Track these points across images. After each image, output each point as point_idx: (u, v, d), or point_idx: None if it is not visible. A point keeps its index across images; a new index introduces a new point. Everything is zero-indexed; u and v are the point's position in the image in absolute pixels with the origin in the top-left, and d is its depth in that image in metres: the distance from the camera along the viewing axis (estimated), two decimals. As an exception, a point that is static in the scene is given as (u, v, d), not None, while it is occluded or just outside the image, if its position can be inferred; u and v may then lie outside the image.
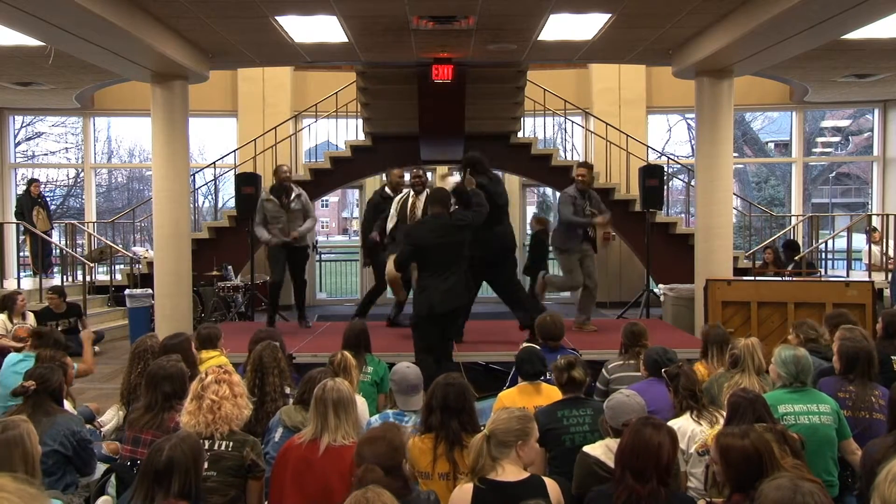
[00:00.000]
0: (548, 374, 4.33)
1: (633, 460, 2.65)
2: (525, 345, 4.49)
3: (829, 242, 11.21)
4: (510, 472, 2.78)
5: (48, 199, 13.79)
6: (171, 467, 2.52)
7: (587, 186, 7.41)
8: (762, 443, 2.66)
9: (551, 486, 2.85)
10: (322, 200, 19.83)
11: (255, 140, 11.19)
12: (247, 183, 9.33)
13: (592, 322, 7.70)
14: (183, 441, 2.62)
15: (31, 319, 7.63)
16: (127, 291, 9.30)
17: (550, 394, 4.04)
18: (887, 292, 8.46)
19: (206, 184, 12.77)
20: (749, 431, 2.71)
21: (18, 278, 10.48)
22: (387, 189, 7.89)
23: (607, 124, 11.40)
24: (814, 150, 16.28)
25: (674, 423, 3.51)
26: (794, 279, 9.00)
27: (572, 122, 12.74)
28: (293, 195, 7.58)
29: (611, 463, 2.95)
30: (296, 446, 3.10)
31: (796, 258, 10.22)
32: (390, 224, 7.12)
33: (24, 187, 11.52)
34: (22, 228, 10.73)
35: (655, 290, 10.10)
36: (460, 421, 3.18)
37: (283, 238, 7.45)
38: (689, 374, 3.57)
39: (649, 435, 2.67)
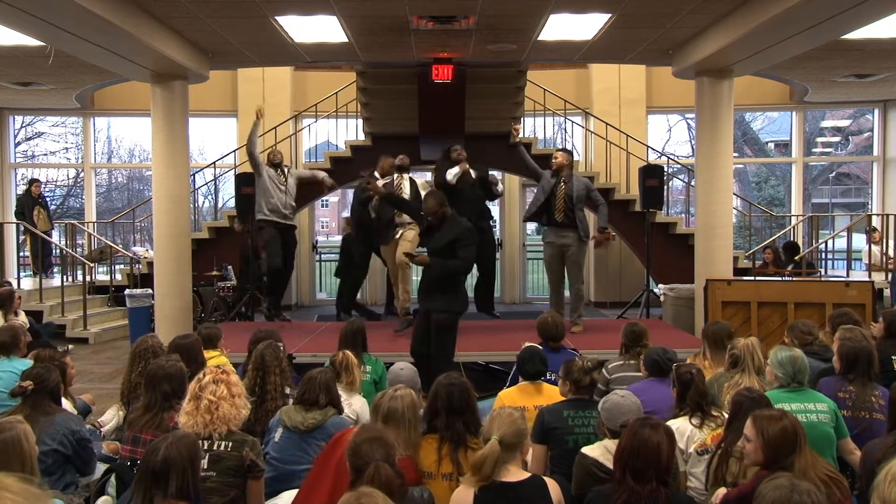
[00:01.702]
0: (548, 375, 4.34)
1: (632, 461, 2.65)
2: (527, 344, 4.49)
3: (829, 242, 11.20)
4: (513, 473, 2.78)
5: (48, 199, 13.80)
6: (168, 467, 2.52)
7: (560, 169, 7.30)
8: (797, 421, 2.83)
9: (552, 486, 2.85)
10: (322, 200, 19.82)
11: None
12: (247, 183, 9.31)
13: (583, 323, 7.61)
14: (179, 441, 2.61)
15: (22, 317, 7.61)
16: (127, 291, 9.29)
17: (551, 394, 4.04)
18: (887, 292, 8.47)
19: (206, 184, 12.77)
20: (784, 413, 2.86)
21: (18, 278, 10.49)
22: (376, 173, 7.84)
23: (607, 124, 11.40)
24: (814, 150, 16.28)
25: (672, 423, 3.52)
26: (794, 279, 8.99)
27: (572, 122, 12.73)
28: (287, 174, 7.89)
29: (609, 464, 2.95)
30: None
31: (796, 258, 10.22)
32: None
33: (25, 187, 11.53)
34: (22, 228, 10.74)
35: (655, 290, 10.10)
36: (465, 422, 3.17)
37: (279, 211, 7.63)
38: (699, 386, 3.54)
39: (648, 435, 2.68)
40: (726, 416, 3.39)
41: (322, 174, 8.40)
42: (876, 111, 12.74)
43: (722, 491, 2.93)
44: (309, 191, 10.86)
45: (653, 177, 9.74)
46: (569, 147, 13.51)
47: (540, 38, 7.63)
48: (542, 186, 7.38)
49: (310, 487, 3.10)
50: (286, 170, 8.03)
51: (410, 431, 3.12)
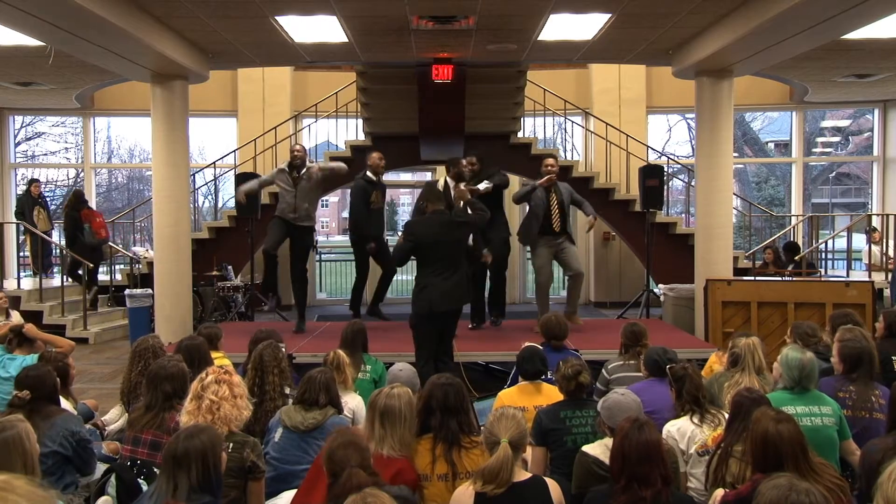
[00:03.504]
0: (549, 374, 4.34)
1: (637, 467, 2.65)
2: (527, 344, 4.49)
3: (829, 242, 11.20)
4: (516, 474, 2.79)
5: (48, 199, 13.79)
6: (188, 455, 2.57)
7: (555, 176, 7.29)
8: (788, 430, 2.71)
9: (553, 486, 2.85)
10: (322, 200, 19.78)
11: (255, 140, 11.19)
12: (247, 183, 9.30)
13: (580, 319, 7.64)
14: (201, 431, 2.67)
15: (16, 317, 7.57)
16: (127, 291, 9.29)
17: (551, 394, 4.04)
18: (887, 292, 8.46)
19: (206, 184, 12.78)
20: (786, 418, 2.78)
21: (18, 278, 10.49)
22: (369, 173, 7.71)
23: (607, 124, 11.40)
24: (814, 150, 16.29)
25: (674, 424, 3.53)
26: (795, 279, 8.99)
27: (572, 122, 12.74)
28: (303, 171, 7.39)
29: (610, 462, 2.95)
30: None
31: (796, 258, 10.22)
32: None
33: (25, 187, 11.52)
34: (22, 228, 10.73)
35: (655, 290, 10.11)
36: (459, 421, 3.17)
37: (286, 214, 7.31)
38: (693, 378, 3.54)
39: (646, 438, 2.69)
40: (727, 415, 3.39)
41: (335, 165, 7.77)
42: (876, 111, 12.74)
43: (720, 492, 2.93)
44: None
45: (653, 177, 9.75)
46: (569, 147, 13.56)
47: (540, 38, 7.63)
48: (537, 201, 7.31)
49: (308, 488, 3.10)
50: (303, 171, 7.43)
51: (405, 430, 3.11)
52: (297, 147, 7.61)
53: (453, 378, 3.33)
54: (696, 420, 3.48)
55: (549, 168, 7.35)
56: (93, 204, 13.01)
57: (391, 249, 7.32)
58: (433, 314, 5.33)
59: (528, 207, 7.59)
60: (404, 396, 3.16)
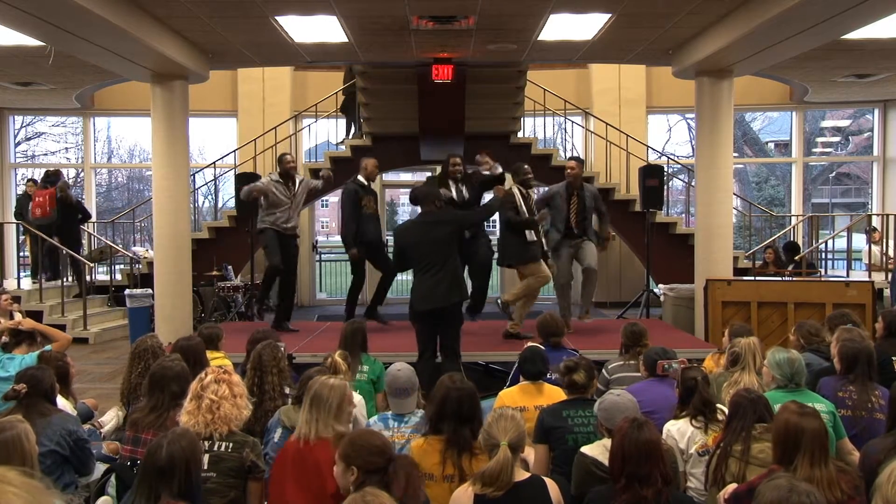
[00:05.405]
0: (549, 374, 4.34)
1: (636, 467, 2.65)
2: (529, 344, 4.50)
3: (829, 242, 11.20)
4: (515, 474, 2.78)
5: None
6: (173, 464, 2.52)
7: (574, 179, 7.17)
8: (807, 423, 2.76)
9: (552, 486, 2.85)
10: (322, 200, 19.84)
11: (255, 140, 11.19)
12: (247, 183, 9.30)
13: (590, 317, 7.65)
14: (181, 437, 2.62)
15: (18, 318, 7.56)
16: (127, 291, 9.29)
17: (552, 394, 4.04)
18: (887, 292, 8.46)
19: (206, 184, 12.78)
20: (809, 412, 2.83)
21: (18, 278, 10.49)
22: (360, 178, 7.55)
23: (607, 124, 11.40)
24: (814, 150, 16.27)
25: (674, 424, 3.52)
26: (795, 279, 9.00)
27: (572, 122, 12.74)
28: (298, 183, 7.52)
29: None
30: (292, 443, 3.12)
31: (796, 258, 10.22)
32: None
33: (24, 187, 11.51)
34: (22, 228, 10.73)
35: (655, 290, 10.11)
36: (472, 429, 3.16)
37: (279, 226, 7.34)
38: (703, 395, 3.51)
39: (646, 437, 2.69)
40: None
41: (322, 178, 7.88)
42: (876, 111, 12.74)
43: (732, 485, 2.94)
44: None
45: (653, 177, 9.75)
46: (569, 147, 13.56)
47: (540, 38, 7.63)
48: (558, 202, 7.21)
49: (278, 492, 3.09)
50: (297, 181, 7.56)
51: (331, 418, 3.11)
52: (291, 157, 7.66)
53: (467, 382, 3.30)
54: (696, 424, 3.47)
55: (569, 172, 7.24)
56: (93, 204, 13.04)
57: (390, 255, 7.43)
58: (415, 314, 5.58)
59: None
60: (337, 388, 3.17)
